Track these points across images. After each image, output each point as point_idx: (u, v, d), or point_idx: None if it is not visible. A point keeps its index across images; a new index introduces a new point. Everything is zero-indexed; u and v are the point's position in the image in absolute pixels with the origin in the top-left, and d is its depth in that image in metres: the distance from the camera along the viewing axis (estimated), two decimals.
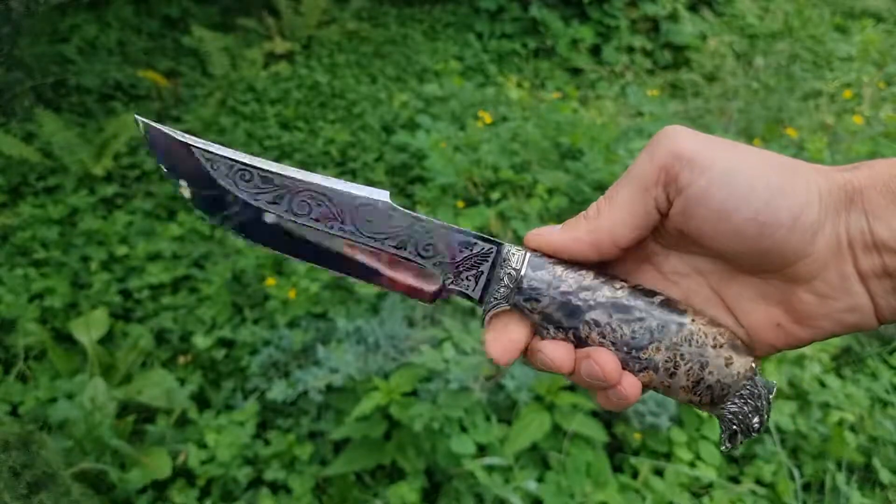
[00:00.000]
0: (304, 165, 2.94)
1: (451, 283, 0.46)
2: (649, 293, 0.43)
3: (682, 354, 0.41)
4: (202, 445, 1.75)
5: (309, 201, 0.45)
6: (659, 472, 1.68)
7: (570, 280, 0.44)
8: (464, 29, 4.20)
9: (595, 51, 4.07)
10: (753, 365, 0.42)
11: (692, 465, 1.68)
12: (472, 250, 0.45)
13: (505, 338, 0.44)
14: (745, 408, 0.41)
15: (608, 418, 1.77)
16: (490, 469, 1.57)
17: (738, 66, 4.07)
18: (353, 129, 3.18)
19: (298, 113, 3.31)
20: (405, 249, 0.45)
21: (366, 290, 2.04)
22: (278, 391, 1.77)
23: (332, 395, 1.78)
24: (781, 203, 0.38)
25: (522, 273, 0.44)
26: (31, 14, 3.73)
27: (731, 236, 0.39)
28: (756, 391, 0.41)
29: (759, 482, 1.68)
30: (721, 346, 0.41)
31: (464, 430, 1.61)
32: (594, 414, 1.73)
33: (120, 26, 3.99)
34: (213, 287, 2.22)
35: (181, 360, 2.05)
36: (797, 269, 0.39)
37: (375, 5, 4.49)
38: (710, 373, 0.41)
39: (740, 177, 0.38)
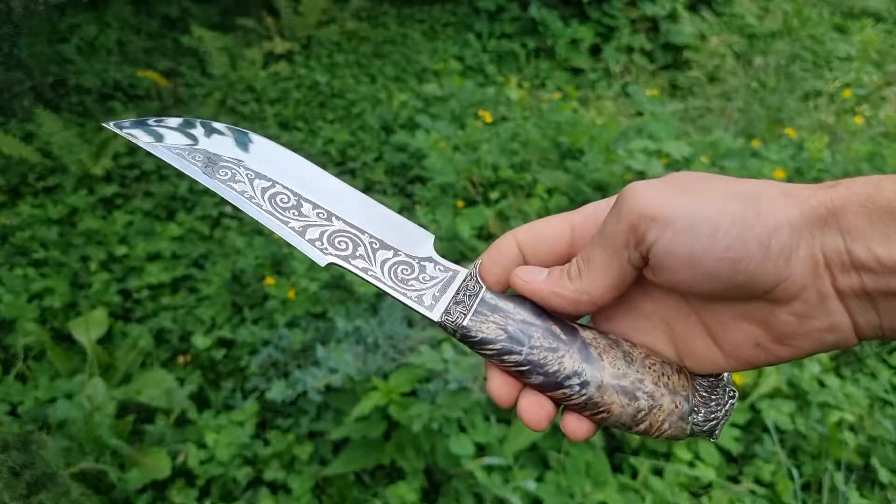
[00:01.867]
0: None
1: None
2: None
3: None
4: (201, 445, 1.75)
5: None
6: (658, 472, 1.68)
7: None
8: (463, 29, 4.20)
9: (595, 51, 4.08)
10: (688, 420, 0.43)
11: (691, 464, 1.68)
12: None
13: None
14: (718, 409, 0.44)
15: None
16: (489, 469, 1.57)
17: (738, 66, 4.07)
18: (353, 128, 3.18)
19: (298, 113, 3.31)
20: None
21: (365, 289, 2.04)
22: (277, 391, 1.77)
23: (331, 395, 1.78)
24: (748, 235, 0.37)
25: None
26: (31, 14, 3.73)
27: (705, 279, 0.39)
28: (697, 427, 0.43)
29: (758, 482, 1.68)
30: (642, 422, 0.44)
31: (463, 430, 1.61)
32: None
33: (119, 26, 3.99)
34: (213, 287, 2.22)
35: (180, 360, 2.05)
36: (776, 294, 0.39)
37: (375, 5, 4.49)
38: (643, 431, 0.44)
39: (704, 220, 0.38)
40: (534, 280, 0.44)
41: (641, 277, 0.43)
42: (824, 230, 0.37)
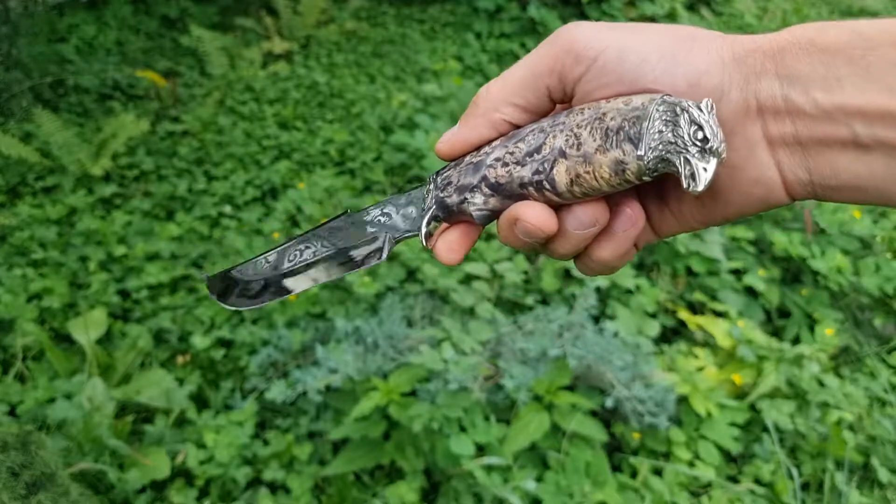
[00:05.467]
0: (302, 165, 2.94)
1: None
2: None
3: (578, 124, 0.38)
4: (201, 445, 1.75)
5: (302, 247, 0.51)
6: (658, 472, 1.68)
7: (467, 157, 0.44)
8: (462, 28, 4.20)
9: None
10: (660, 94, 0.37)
11: (691, 464, 1.68)
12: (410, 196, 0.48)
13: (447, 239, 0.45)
14: (676, 130, 0.34)
15: (607, 418, 1.77)
16: (489, 469, 1.57)
17: None
18: (352, 128, 3.17)
19: (297, 113, 3.31)
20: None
21: (364, 289, 2.04)
22: (277, 391, 1.77)
23: (330, 395, 1.78)
24: (676, 71, 0.36)
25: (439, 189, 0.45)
26: (30, 14, 3.73)
27: None
28: (680, 109, 0.35)
29: (757, 482, 1.68)
30: (614, 98, 0.38)
31: (463, 430, 1.61)
32: (593, 414, 1.73)
33: (118, 26, 3.98)
34: None
35: (180, 360, 2.05)
36: None
37: (374, 5, 4.49)
38: (612, 118, 0.37)
39: (632, 53, 0.37)
40: (451, 134, 0.44)
41: None
42: (761, 76, 0.35)
